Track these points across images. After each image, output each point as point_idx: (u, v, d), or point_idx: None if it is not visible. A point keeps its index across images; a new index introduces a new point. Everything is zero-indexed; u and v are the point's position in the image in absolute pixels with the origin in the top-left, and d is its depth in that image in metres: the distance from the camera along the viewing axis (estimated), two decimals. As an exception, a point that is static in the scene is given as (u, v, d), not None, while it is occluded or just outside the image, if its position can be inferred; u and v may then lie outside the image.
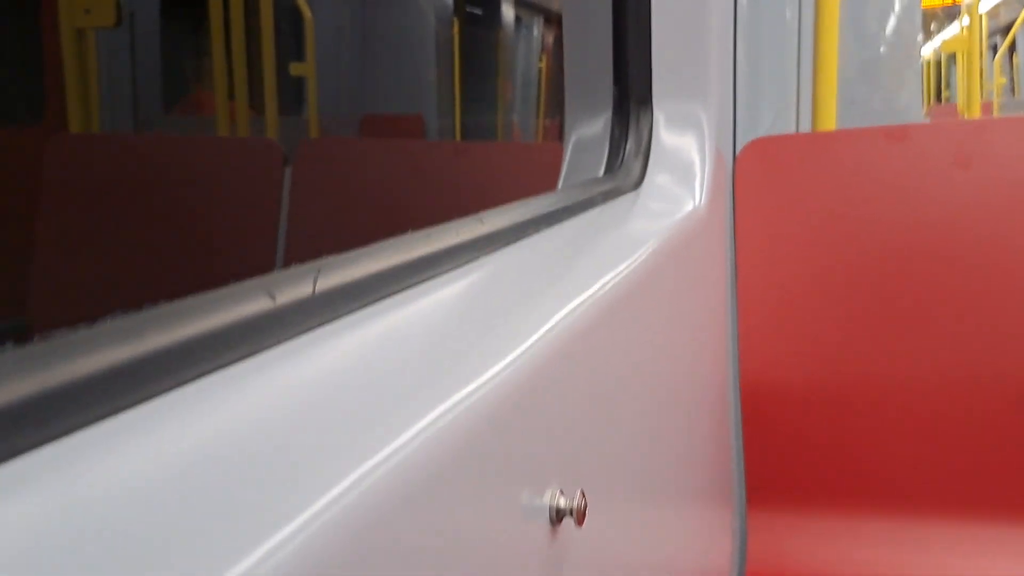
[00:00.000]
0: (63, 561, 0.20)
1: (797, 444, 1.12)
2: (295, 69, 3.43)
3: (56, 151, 1.79)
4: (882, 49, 2.21)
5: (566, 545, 0.42)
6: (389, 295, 0.42)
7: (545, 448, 0.43)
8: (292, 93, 3.92)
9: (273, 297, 0.34)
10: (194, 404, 0.29)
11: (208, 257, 1.60)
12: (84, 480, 0.23)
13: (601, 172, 0.96)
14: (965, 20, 4.87)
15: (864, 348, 1.09)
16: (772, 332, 1.11)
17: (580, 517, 0.40)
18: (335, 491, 0.25)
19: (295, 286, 0.36)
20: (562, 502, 0.40)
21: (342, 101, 4.54)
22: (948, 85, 7.34)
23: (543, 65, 6.84)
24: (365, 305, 0.40)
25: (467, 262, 0.51)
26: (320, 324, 0.36)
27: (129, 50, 3.76)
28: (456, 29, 5.23)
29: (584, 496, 0.40)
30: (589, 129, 0.99)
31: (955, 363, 1.08)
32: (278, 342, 0.34)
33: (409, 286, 0.44)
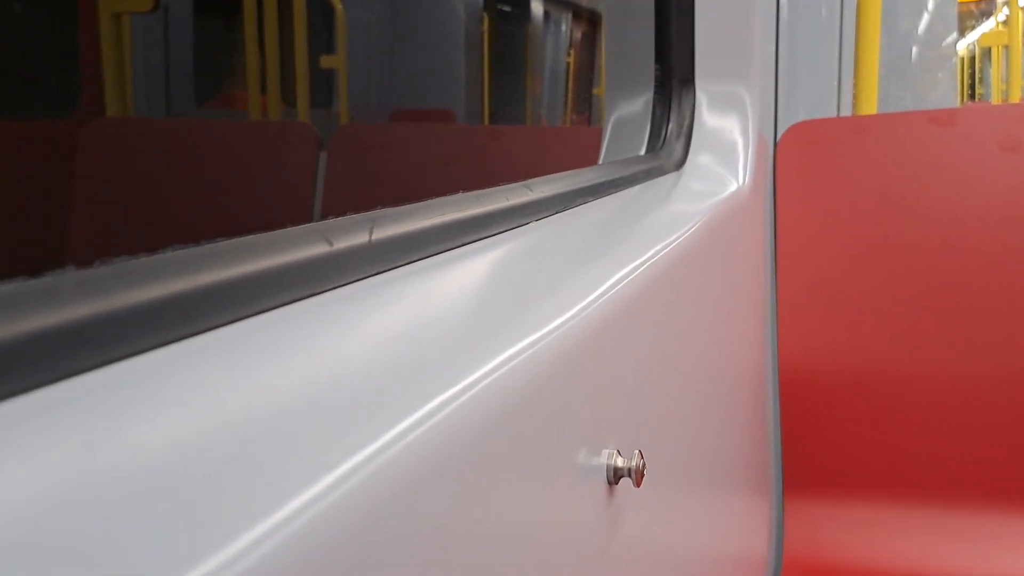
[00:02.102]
0: (99, 493, 0.19)
1: (835, 431, 1.10)
2: (326, 62, 3.45)
3: (94, 136, 1.81)
4: (914, 48, 2.18)
5: (623, 505, 0.41)
6: (443, 251, 0.41)
7: (598, 409, 0.42)
8: (322, 88, 3.94)
9: (330, 242, 0.33)
10: (252, 340, 0.28)
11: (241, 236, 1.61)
12: (131, 408, 0.23)
13: (642, 151, 0.95)
14: (1002, 15, 4.79)
15: (904, 336, 1.07)
16: (811, 318, 1.09)
17: (639, 478, 0.39)
18: (385, 438, 0.25)
19: (352, 234, 0.35)
20: (620, 462, 0.39)
21: (371, 96, 4.56)
22: (982, 82, 7.22)
23: (570, 61, 6.83)
24: (420, 258, 0.39)
25: (516, 226, 0.51)
26: (376, 272, 0.36)
27: (162, 44, 3.79)
28: (486, 25, 5.23)
29: (642, 456, 0.39)
30: (630, 108, 0.98)
31: (998, 352, 1.05)
32: (335, 286, 0.33)
33: (462, 244, 0.43)
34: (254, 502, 0.21)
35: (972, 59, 6.90)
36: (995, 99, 4.74)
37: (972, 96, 6.92)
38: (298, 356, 0.28)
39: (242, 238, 0.30)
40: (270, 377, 0.26)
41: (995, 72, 4.63)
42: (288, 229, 0.33)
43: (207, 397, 0.24)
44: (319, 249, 0.33)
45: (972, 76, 6.97)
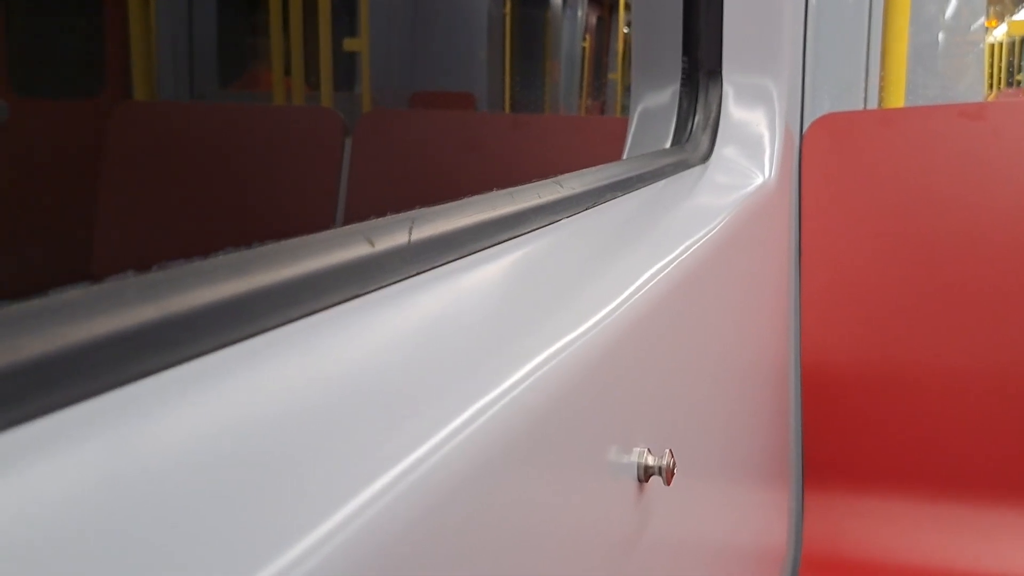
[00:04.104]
0: (154, 491, 0.20)
1: (856, 425, 1.10)
2: (349, 44, 3.45)
3: (122, 119, 1.82)
4: (940, 35, 2.15)
5: (652, 502, 0.42)
6: (479, 249, 0.42)
7: (629, 407, 0.42)
8: (344, 70, 3.94)
9: (372, 243, 0.34)
10: (302, 342, 0.29)
11: (267, 223, 1.62)
12: (188, 410, 0.23)
13: (667, 144, 0.95)
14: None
15: (927, 330, 1.07)
16: (834, 311, 1.09)
17: (669, 476, 0.40)
18: (428, 442, 0.25)
19: (392, 234, 0.36)
20: (650, 460, 0.40)
21: (393, 78, 4.56)
22: (1021, 69, 7.10)
23: (586, 45, 6.81)
24: (457, 258, 0.40)
25: (548, 223, 0.51)
26: (415, 273, 0.36)
27: (187, 26, 3.81)
28: (507, 8, 5.20)
29: (672, 455, 0.40)
30: (656, 100, 0.98)
31: (1023, 348, 1.05)
32: (377, 287, 0.34)
33: (497, 242, 0.44)
34: (303, 504, 0.21)
35: (1012, 45, 6.80)
36: None
37: (1011, 83, 6.82)
38: (345, 358, 0.29)
39: (290, 240, 0.31)
40: (320, 380, 0.27)
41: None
42: (332, 231, 0.34)
43: (257, 402, 0.25)
44: (362, 250, 0.34)
45: (1012, 63, 6.87)
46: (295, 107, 2.70)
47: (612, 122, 2.15)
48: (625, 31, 6.44)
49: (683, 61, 0.97)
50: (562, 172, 0.62)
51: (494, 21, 5.09)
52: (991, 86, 6.06)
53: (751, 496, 0.86)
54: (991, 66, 5.93)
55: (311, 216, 1.65)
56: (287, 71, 2.83)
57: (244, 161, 1.71)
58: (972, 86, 2.29)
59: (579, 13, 6.84)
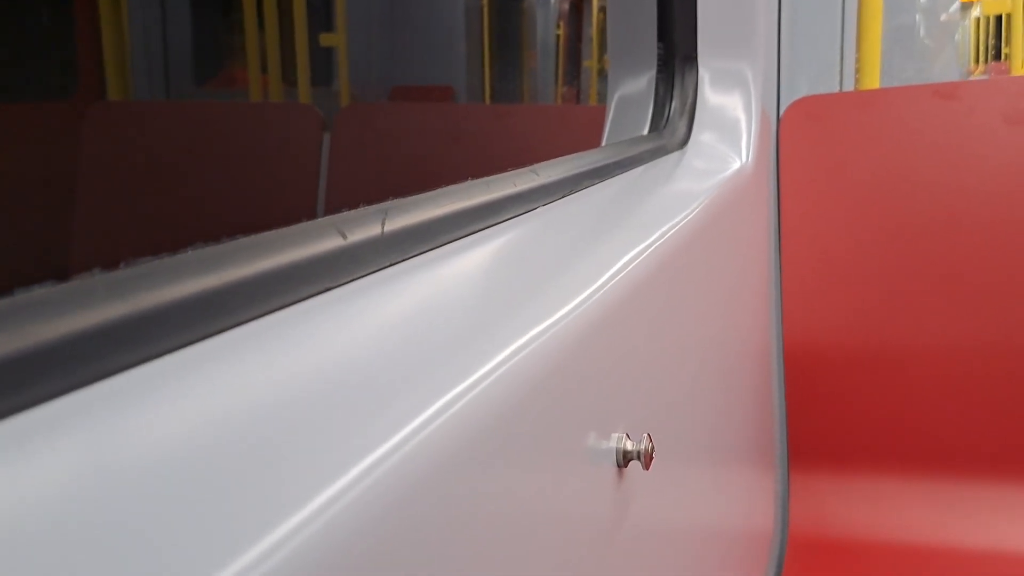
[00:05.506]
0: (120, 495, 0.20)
1: (840, 406, 1.11)
2: (325, 40, 3.43)
3: (96, 119, 1.80)
4: (916, 16, 2.16)
5: (633, 487, 0.42)
6: (454, 239, 0.42)
7: (607, 393, 0.43)
8: (321, 65, 3.92)
9: (344, 235, 0.34)
10: (274, 336, 0.29)
11: (246, 223, 1.61)
12: (160, 407, 0.23)
13: (645, 130, 0.95)
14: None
15: (908, 310, 1.08)
16: (815, 293, 1.10)
17: (647, 460, 0.40)
18: (403, 431, 0.25)
19: (364, 226, 0.36)
20: (629, 445, 0.40)
21: (372, 72, 4.54)
22: (1008, 43, 7.06)
23: (560, 32, 6.80)
24: (431, 248, 0.40)
25: (524, 212, 0.51)
26: (389, 264, 0.36)
27: (160, 25, 3.77)
28: (485, -1, 5.19)
29: (651, 440, 0.40)
30: (633, 87, 0.98)
31: (1002, 325, 1.06)
32: (350, 279, 0.34)
33: (472, 232, 0.44)
34: (279, 496, 0.21)
35: (1000, 21, 6.79)
36: (1016, 69, 4.61)
37: (998, 56, 6.82)
38: (318, 351, 0.29)
39: (261, 234, 0.31)
40: (293, 373, 0.27)
41: (1016, 38, 4.48)
42: (304, 224, 0.33)
43: (231, 396, 0.25)
44: (334, 243, 0.33)
45: (998, 35, 6.86)
46: (272, 104, 2.69)
47: (593, 111, 2.15)
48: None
49: (659, 47, 0.97)
50: (547, 158, 0.62)
51: (472, 11, 5.07)
52: (978, 60, 6.09)
53: (736, 479, 0.87)
54: (978, 41, 5.96)
55: (291, 214, 1.64)
56: (264, 68, 2.81)
57: (221, 160, 1.70)
58: (947, 66, 2.30)
59: (552, 0, 6.83)
